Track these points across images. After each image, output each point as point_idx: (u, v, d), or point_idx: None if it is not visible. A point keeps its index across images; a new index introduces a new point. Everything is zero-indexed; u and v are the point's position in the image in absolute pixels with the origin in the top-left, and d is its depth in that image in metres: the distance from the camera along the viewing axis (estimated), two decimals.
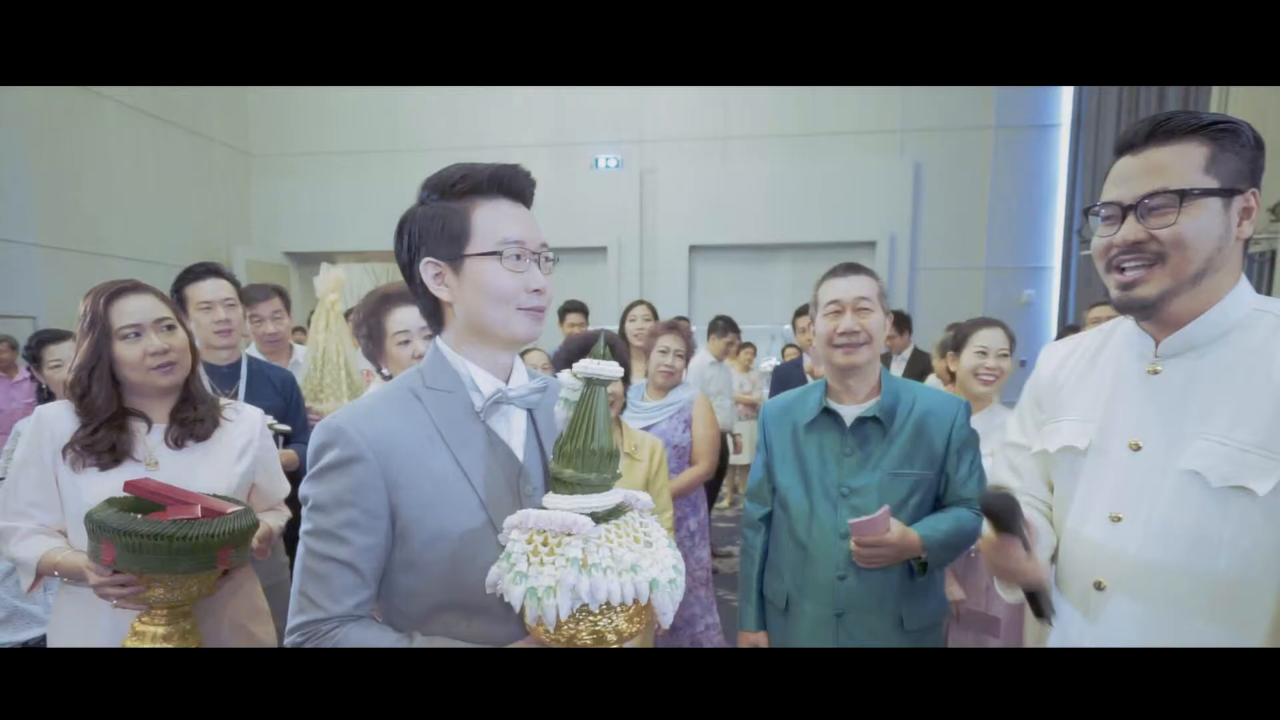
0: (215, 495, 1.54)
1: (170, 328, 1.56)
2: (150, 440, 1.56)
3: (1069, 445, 1.13)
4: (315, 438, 0.97)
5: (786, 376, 4.08)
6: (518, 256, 1.00)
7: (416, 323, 1.86)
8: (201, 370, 1.68)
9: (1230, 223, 1.01)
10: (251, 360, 2.48)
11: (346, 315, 3.37)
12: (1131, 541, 1.03)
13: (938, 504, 1.66)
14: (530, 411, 1.09)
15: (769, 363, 6.57)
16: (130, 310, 1.51)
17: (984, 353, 2.29)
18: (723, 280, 8.31)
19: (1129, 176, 1.04)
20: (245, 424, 1.71)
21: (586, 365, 0.89)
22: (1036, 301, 7.80)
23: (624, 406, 2.21)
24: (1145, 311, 1.05)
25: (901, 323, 4.91)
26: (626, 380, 2.18)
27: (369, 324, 1.87)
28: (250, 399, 2.36)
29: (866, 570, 1.59)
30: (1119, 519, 1.05)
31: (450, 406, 1.01)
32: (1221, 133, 1.01)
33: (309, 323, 4.12)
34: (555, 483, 0.90)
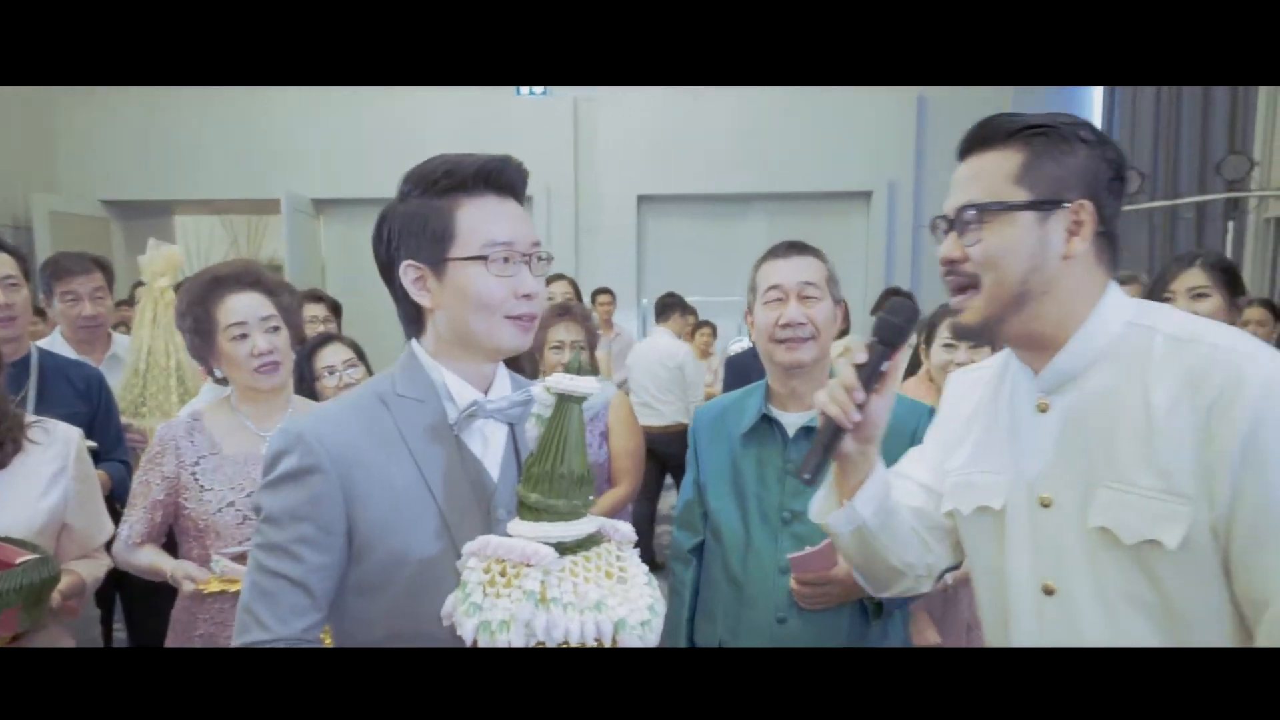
0: (5, 539, 1.54)
1: None
2: None
3: (984, 506, 1.21)
4: (273, 443, 1.09)
5: (745, 368, 4.13)
6: (505, 260, 1.11)
7: (255, 312, 1.88)
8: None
9: (1050, 239, 1.08)
10: (44, 355, 2.45)
11: None
12: (1070, 618, 1.11)
13: None
14: (512, 426, 1.21)
15: (739, 345, 6.68)
16: None
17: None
18: (680, 239, 8.39)
19: (954, 187, 1.16)
20: (57, 447, 1.70)
21: (560, 380, 0.99)
22: None
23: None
24: (983, 338, 1.16)
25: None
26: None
27: (194, 314, 1.88)
28: (42, 405, 2.34)
29: (812, 612, 1.68)
30: (1051, 590, 1.13)
31: (420, 417, 1.13)
32: (1037, 137, 1.09)
33: (133, 300, 4.05)
34: (521, 508, 1.01)
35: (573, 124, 8.09)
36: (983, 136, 1.14)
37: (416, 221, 1.12)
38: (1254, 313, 4.49)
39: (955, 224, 1.13)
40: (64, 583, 1.63)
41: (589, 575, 0.96)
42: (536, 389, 1.05)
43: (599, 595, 0.94)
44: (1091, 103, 7.69)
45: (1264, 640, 0.98)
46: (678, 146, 8.02)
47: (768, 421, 1.77)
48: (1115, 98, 7.25)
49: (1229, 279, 2.31)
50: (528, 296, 1.13)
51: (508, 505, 1.15)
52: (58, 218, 7.75)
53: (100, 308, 2.90)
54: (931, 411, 1.80)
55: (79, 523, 1.75)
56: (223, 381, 1.99)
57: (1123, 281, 5.12)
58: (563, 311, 2.74)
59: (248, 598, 1.07)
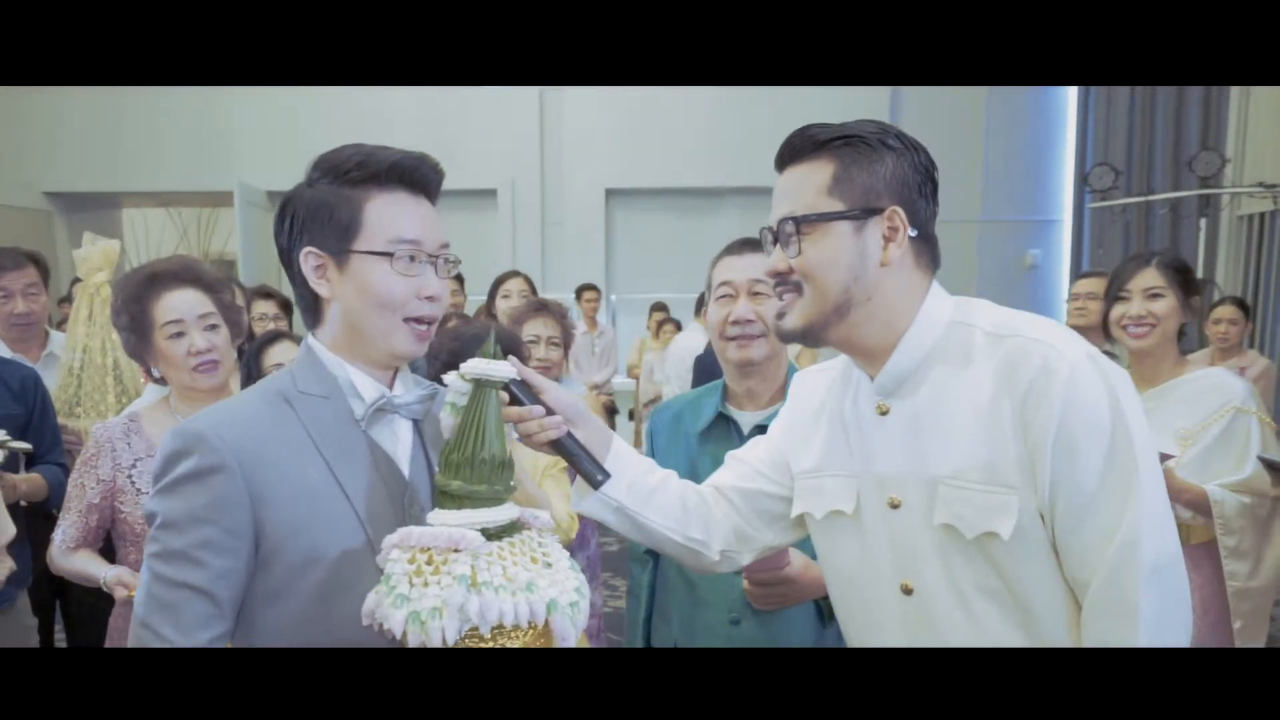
0: None
1: None
2: None
3: (837, 510, 1.25)
4: (167, 444, 1.06)
5: (713, 367, 4.19)
6: (411, 259, 1.12)
7: (193, 310, 1.88)
8: None
9: (867, 247, 1.13)
10: None
11: None
12: (930, 614, 1.17)
13: None
14: (416, 423, 1.21)
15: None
16: None
17: None
18: (649, 234, 8.40)
19: (775, 199, 1.21)
20: None
21: (476, 365, 1.02)
22: (1043, 263, 8.14)
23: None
24: (807, 342, 1.21)
25: None
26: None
27: (130, 311, 1.87)
28: None
29: (766, 613, 1.71)
30: (910, 590, 1.18)
31: (326, 413, 1.13)
32: (845, 148, 1.14)
33: (71, 296, 4.00)
34: (441, 496, 1.01)
35: (538, 115, 8.08)
36: (795, 149, 1.18)
37: (323, 209, 1.12)
38: (1225, 310, 4.59)
39: (778, 236, 1.18)
40: None
41: (517, 560, 0.98)
42: (450, 376, 1.06)
43: (529, 577, 0.96)
44: (1066, 100, 7.81)
45: (1088, 617, 1.06)
46: (647, 139, 8.04)
47: (724, 420, 1.80)
48: (1090, 96, 7.38)
49: (1184, 279, 2.38)
50: (431, 298, 1.14)
51: (421, 500, 1.17)
52: None
53: (34, 304, 2.87)
54: None
55: None
56: (161, 381, 1.98)
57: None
58: (539, 307, 2.76)
59: (144, 612, 1.05)
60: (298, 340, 2.52)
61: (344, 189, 1.12)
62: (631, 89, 7.87)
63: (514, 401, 1.17)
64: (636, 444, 6.98)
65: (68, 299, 5.38)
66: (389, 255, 1.11)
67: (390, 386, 1.19)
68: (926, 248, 1.19)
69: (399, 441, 1.19)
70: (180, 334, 1.87)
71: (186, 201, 9.43)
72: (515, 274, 3.57)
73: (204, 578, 1.04)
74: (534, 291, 3.52)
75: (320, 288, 1.14)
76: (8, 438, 2.20)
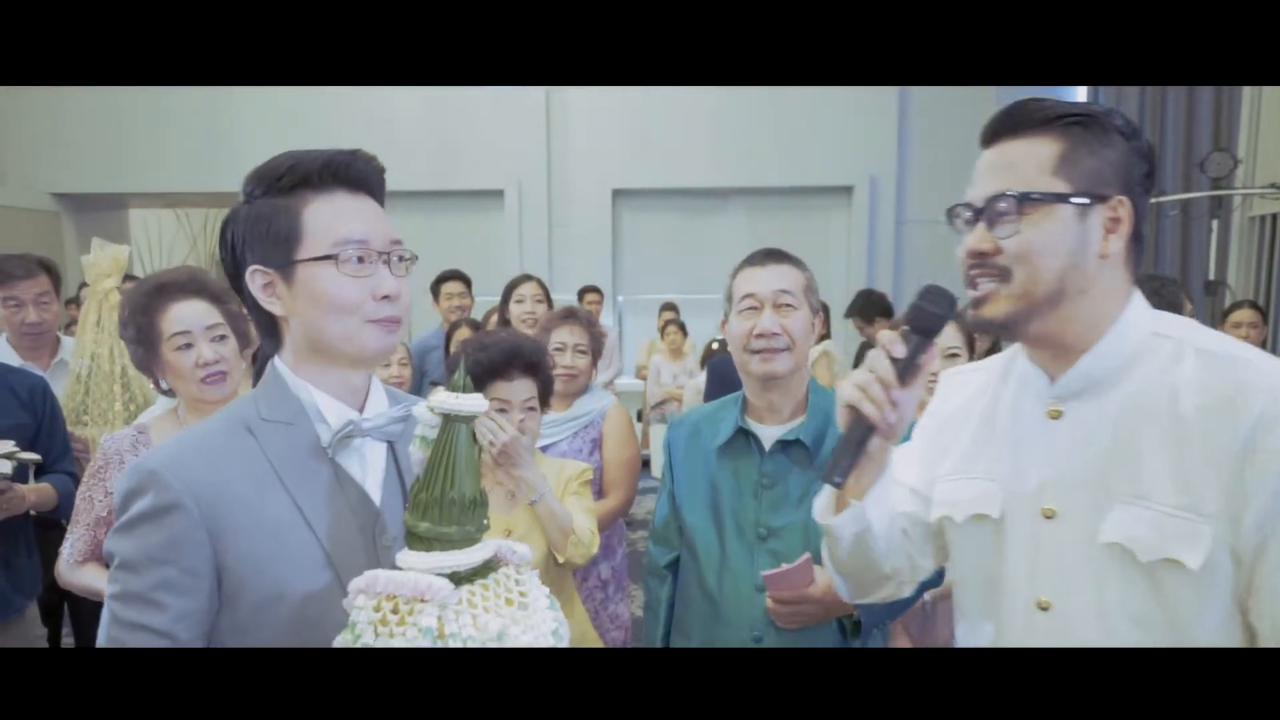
0: None
1: None
2: None
3: (980, 514, 1.18)
4: (123, 482, 1.02)
5: (727, 372, 4.14)
6: (360, 259, 1.06)
7: (201, 321, 1.85)
8: None
9: (1089, 236, 1.06)
10: None
11: None
12: (1065, 635, 1.10)
13: None
14: (391, 445, 1.15)
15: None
16: None
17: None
18: (656, 235, 8.37)
19: (981, 174, 1.12)
20: None
21: (444, 400, 0.95)
22: None
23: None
24: (1005, 334, 1.14)
25: (881, 308, 5.06)
26: (545, 402, 2.18)
27: (138, 323, 1.85)
28: None
29: (789, 631, 1.68)
30: (1046, 606, 1.11)
31: (289, 441, 1.07)
32: (1075, 126, 1.06)
33: (80, 300, 3.98)
34: (410, 537, 0.95)
35: (545, 116, 8.05)
36: (1014, 122, 1.10)
37: (261, 223, 1.07)
38: (1243, 314, 4.50)
39: (985, 214, 1.09)
40: None
41: (488, 605, 0.92)
42: (419, 409, 0.99)
43: (500, 625, 0.91)
44: (1074, 99, 7.76)
45: None
46: (654, 139, 8.00)
47: (744, 435, 1.77)
48: (1099, 95, 7.33)
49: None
50: (388, 298, 1.07)
51: (392, 532, 1.11)
52: (4, 212, 7.61)
53: (45, 313, 2.84)
54: (913, 426, 1.80)
55: None
56: (170, 393, 1.95)
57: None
58: (567, 315, 2.73)
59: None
60: None
61: (279, 198, 1.07)
62: (638, 89, 7.84)
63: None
64: (644, 444, 6.97)
65: (76, 301, 5.36)
66: (334, 258, 1.05)
67: (362, 407, 1.13)
68: (1137, 247, 1.11)
69: (369, 467, 1.13)
70: (188, 345, 1.84)
71: (193, 202, 9.43)
72: (529, 278, 3.54)
73: (163, 620, 1.00)
74: (547, 295, 3.49)
75: (272, 306, 1.09)
76: (16, 449, 2.18)
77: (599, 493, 2.64)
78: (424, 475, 0.96)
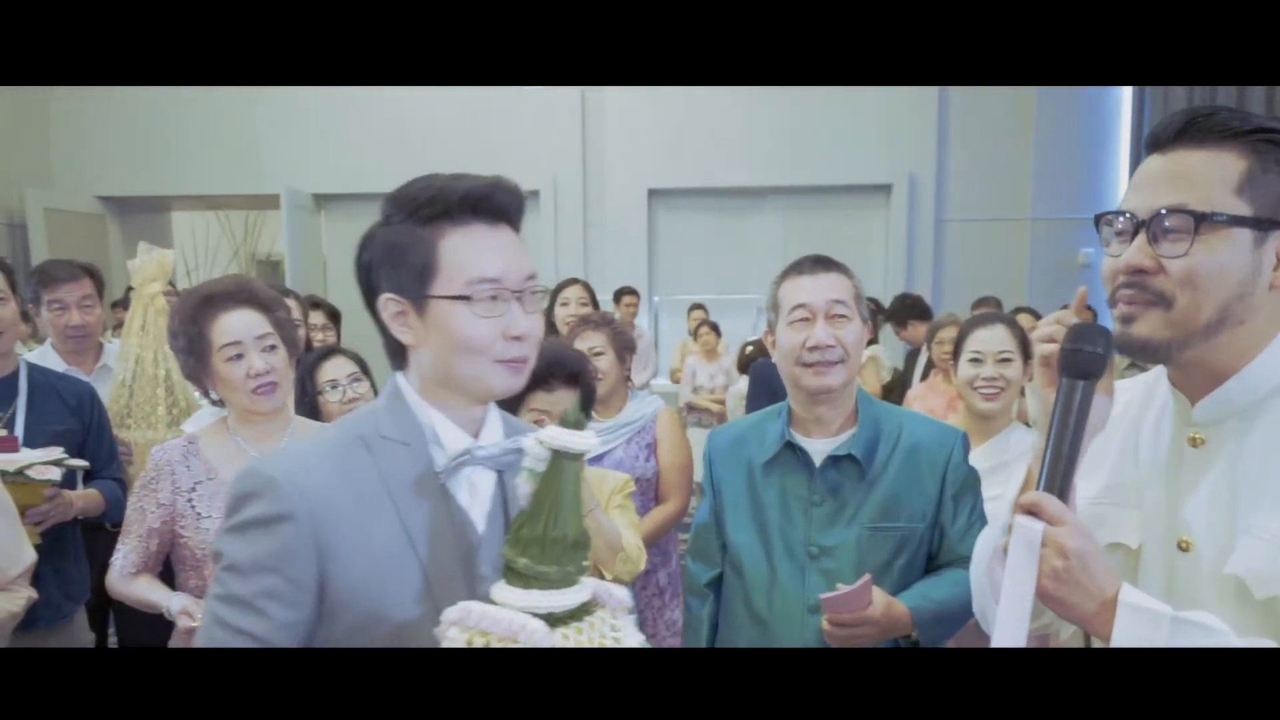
0: None
1: None
2: None
3: (1119, 542, 1.12)
4: (238, 485, 1.03)
5: (768, 376, 4.09)
6: (493, 298, 1.05)
7: (251, 331, 1.84)
8: None
9: (1261, 265, 0.99)
10: (33, 370, 2.43)
11: None
12: None
13: (929, 564, 1.71)
14: (500, 474, 1.14)
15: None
16: None
17: (979, 359, 2.33)
18: (692, 235, 8.33)
19: (1149, 183, 1.04)
20: None
21: (555, 435, 0.93)
22: (1096, 262, 7.93)
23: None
24: (1149, 357, 1.06)
25: (917, 311, 4.99)
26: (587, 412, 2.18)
27: (188, 334, 1.84)
28: (32, 422, 2.31)
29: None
30: None
31: (405, 462, 1.07)
32: (1265, 144, 0.98)
33: (127, 302, 4.02)
34: (508, 571, 0.94)
35: (580, 116, 8.04)
36: (1199, 131, 1.01)
37: (397, 252, 1.07)
38: None
39: (1150, 227, 1.00)
40: None
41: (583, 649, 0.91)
42: (528, 441, 0.98)
43: None
44: (1121, 96, 7.60)
45: None
46: (689, 138, 7.95)
47: (791, 449, 1.73)
48: (1145, 96, 7.17)
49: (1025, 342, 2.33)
50: (518, 339, 1.07)
51: (493, 562, 1.09)
52: (52, 214, 7.75)
53: (89, 316, 2.87)
54: (965, 437, 1.76)
55: None
56: (220, 403, 1.95)
57: (974, 307, 5.03)
58: (597, 321, 2.74)
59: None
60: (351, 356, 2.49)
61: (417, 227, 1.06)
62: (673, 89, 7.79)
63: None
64: None
65: (123, 304, 5.43)
66: (467, 299, 1.04)
67: (478, 434, 1.13)
68: None
69: (476, 495, 1.13)
70: (239, 356, 1.83)
71: (234, 204, 9.53)
72: (574, 281, 3.53)
73: (265, 628, 1.01)
74: (593, 299, 3.48)
75: (403, 335, 1.09)
76: (65, 455, 2.19)
77: (655, 499, 2.64)
78: (528, 510, 0.95)
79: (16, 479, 2.03)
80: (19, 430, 2.28)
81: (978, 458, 2.05)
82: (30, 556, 1.78)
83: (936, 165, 7.87)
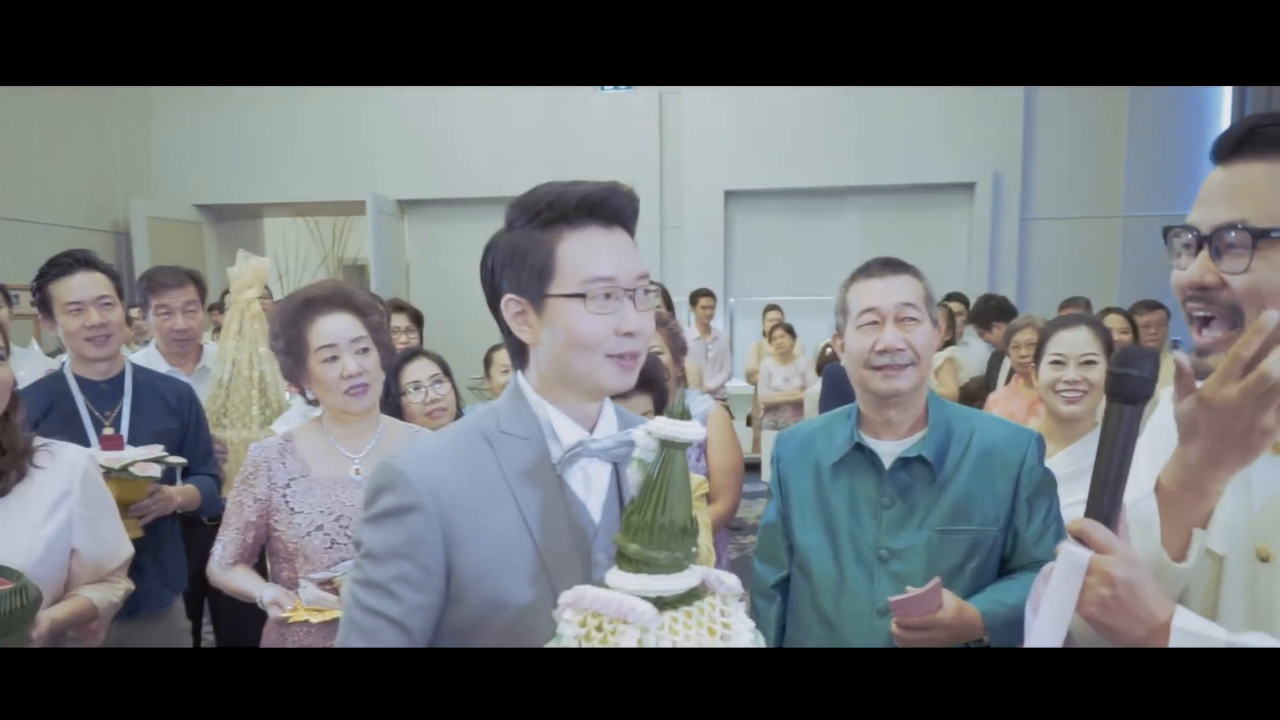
0: None
1: None
2: None
3: (1207, 549, 1.09)
4: (374, 479, 1.13)
5: (842, 378, 4.07)
6: (607, 295, 1.11)
7: (346, 334, 1.94)
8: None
9: None
10: (137, 371, 2.57)
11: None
12: None
13: (1003, 567, 1.70)
14: (616, 466, 1.20)
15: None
16: None
17: (1061, 362, 2.28)
18: (768, 236, 8.31)
19: (1211, 197, 1.02)
20: (61, 471, 1.67)
21: (662, 425, 0.99)
22: None
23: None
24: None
25: (1002, 312, 4.88)
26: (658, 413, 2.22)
27: (287, 336, 1.95)
28: (136, 421, 2.45)
29: None
30: None
31: (524, 455, 1.15)
32: None
33: (224, 306, 4.24)
34: (619, 558, 0.99)
35: (657, 118, 8.10)
36: (1257, 141, 0.99)
37: (518, 255, 1.13)
38: None
39: (1212, 243, 0.99)
40: (67, 609, 1.63)
41: (689, 634, 0.94)
42: (637, 432, 1.04)
43: None
44: (1221, 96, 7.29)
45: None
46: (766, 139, 7.94)
47: (860, 450, 1.73)
48: (1246, 97, 6.85)
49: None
50: (630, 334, 1.12)
51: (608, 549, 1.13)
52: (154, 223, 8.17)
53: (191, 321, 3.04)
54: (1040, 439, 1.73)
55: (88, 547, 1.71)
56: (315, 403, 2.05)
57: (1061, 308, 4.79)
58: (659, 322, 2.75)
59: (346, 633, 1.12)
60: (433, 358, 2.58)
61: (537, 231, 1.13)
62: (751, 89, 7.78)
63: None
64: (755, 449, 6.92)
65: (219, 307, 5.70)
66: (582, 296, 1.10)
67: (593, 428, 1.20)
68: None
69: (592, 486, 1.19)
70: (334, 358, 1.92)
71: (322, 211, 9.88)
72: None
73: (399, 610, 1.09)
74: (667, 301, 3.49)
75: (523, 333, 1.16)
76: (164, 453, 2.31)
77: (705, 498, 2.66)
78: (638, 498, 1.00)
79: (121, 475, 2.15)
80: (124, 429, 2.41)
81: (1058, 463, 2.02)
82: (128, 550, 1.85)
83: (1022, 163, 7.69)
